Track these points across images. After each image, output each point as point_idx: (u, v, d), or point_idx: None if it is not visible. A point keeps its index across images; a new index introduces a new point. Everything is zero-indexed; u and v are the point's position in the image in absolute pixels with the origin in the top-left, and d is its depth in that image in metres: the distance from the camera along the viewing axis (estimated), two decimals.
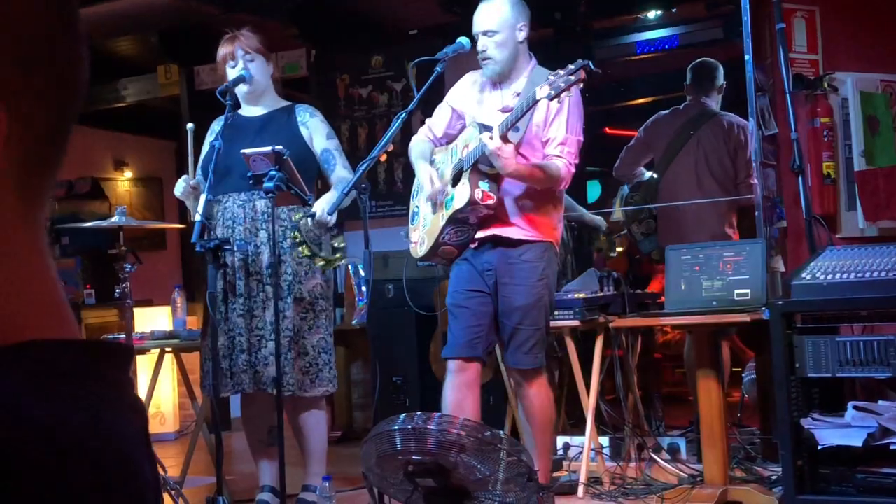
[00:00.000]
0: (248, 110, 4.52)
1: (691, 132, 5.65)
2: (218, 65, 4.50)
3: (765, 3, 4.99)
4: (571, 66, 3.62)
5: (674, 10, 6.86)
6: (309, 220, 4.17)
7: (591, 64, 3.62)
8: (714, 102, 5.75)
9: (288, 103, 4.56)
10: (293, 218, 4.20)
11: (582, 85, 3.64)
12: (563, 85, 3.59)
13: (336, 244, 4.25)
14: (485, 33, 4.02)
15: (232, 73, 4.41)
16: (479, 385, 4.13)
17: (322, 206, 4.21)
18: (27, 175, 0.72)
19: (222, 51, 4.46)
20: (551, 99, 3.63)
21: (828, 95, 5.07)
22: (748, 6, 4.83)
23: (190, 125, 4.47)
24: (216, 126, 4.47)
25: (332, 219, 4.23)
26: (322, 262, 4.24)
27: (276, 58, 4.75)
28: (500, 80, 4.10)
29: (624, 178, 6.00)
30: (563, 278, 5.30)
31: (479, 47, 4.03)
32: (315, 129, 4.47)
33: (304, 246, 4.15)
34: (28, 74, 0.70)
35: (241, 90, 4.42)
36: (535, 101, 3.69)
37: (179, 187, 4.36)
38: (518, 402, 4.34)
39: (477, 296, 4.06)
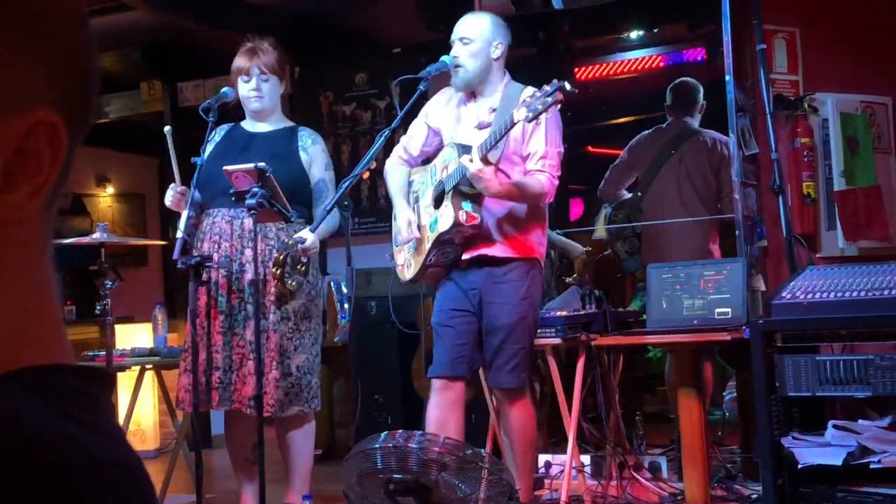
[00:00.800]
0: (251, 125, 4.50)
1: (673, 150, 5.68)
2: (231, 73, 4.47)
3: (746, 24, 5.03)
4: (548, 88, 3.64)
5: (655, 31, 6.90)
6: (297, 245, 4.16)
7: (566, 85, 3.63)
8: (695, 122, 5.78)
9: (292, 124, 4.56)
10: (286, 241, 4.17)
11: (559, 106, 3.66)
12: (540, 107, 3.61)
13: (297, 282, 4.22)
14: (461, 39, 4.04)
15: (242, 89, 4.40)
16: (464, 404, 4.13)
17: (310, 235, 4.22)
18: (56, 192, 0.72)
19: (239, 62, 4.42)
20: (529, 121, 3.65)
21: (808, 116, 5.11)
22: (729, 27, 4.87)
23: (167, 128, 4.44)
24: (216, 137, 4.46)
25: (317, 246, 4.24)
26: (284, 286, 4.22)
27: (287, 73, 4.69)
28: (471, 93, 4.11)
29: (608, 198, 6.02)
30: (545, 296, 5.31)
31: (453, 53, 4.05)
32: (315, 158, 4.46)
33: (280, 268, 4.14)
34: (67, 84, 0.71)
35: (251, 105, 4.41)
36: (513, 124, 3.70)
37: (169, 197, 4.33)
38: (500, 421, 4.34)
39: (462, 315, 4.07)
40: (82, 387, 0.70)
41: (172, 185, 4.34)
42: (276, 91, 4.47)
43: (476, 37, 4.03)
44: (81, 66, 0.73)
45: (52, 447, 0.62)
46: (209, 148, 4.40)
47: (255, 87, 4.38)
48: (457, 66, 4.04)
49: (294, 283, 4.19)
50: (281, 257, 4.15)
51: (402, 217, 4.11)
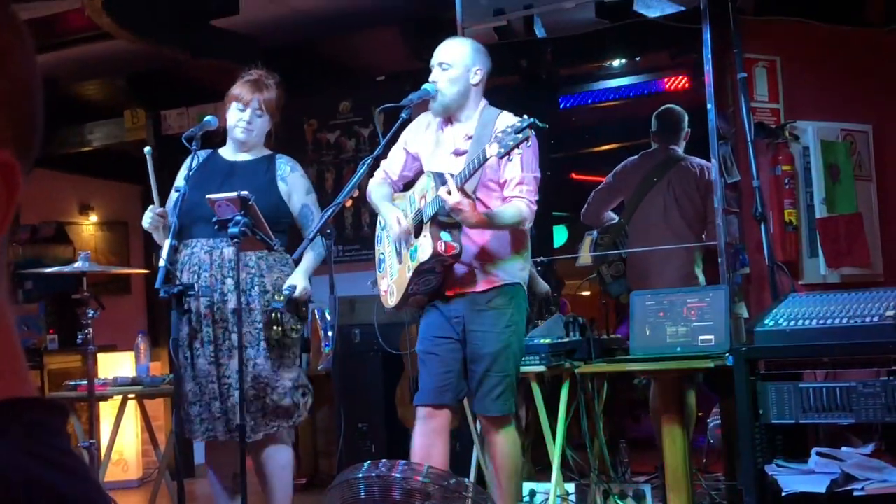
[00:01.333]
0: (230, 154, 4.49)
1: (661, 176, 5.71)
2: (227, 97, 4.45)
3: (727, 52, 5.06)
4: (518, 124, 3.65)
5: (638, 59, 6.94)
6: (291, 295, 4.17)
7: (537, 121, 3.65)
8: (680, 149, 5.81)
9: (269, 152, 4.55)
10: (277, 298, 4.17)
11: (530, 143, 3.68)
12: (511, 143, 3.62)
13: (298, 328, 4.25)
14: (440, 65, 4.05)
15: (233, 116, 4.39)
16: (449, 432, 4.11)
17: (300, 279, 4.22)
18: (9, 229, 0.72)
19: (240, 91, 4.40)
20: (500, 157, 3.67)
21: (789, 144, 5.14)
22: (710, 56, 4.90)
23: (147, 148, 4.42)
24: (185, 170, 4.45)
25: (309, 288, 4.25)
26: (287, 340, 4.24)
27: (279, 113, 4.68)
28: (448, 119, 4.12)
29: (591, 222, 6.03)
30: (529, 323, 5.31)
31: (432, 78, 4.06)
32: (294, 186, 4.46)
33: (280, 327, 4.15)
34: (22, 124, 0.71)
35: (237, 135, 4.40)
36: (486, 159, 3.71)
37: (147, 219, 4.32)
38: (485, 449, 4.33)
39: (446, 343, 4.06)
40: (43, 420, 0.69)
41: (151, 206, 4.32)
42: (265, 128, 4.47)
43: (455, 62, 4.04)
44: (34, 105, 0.73)
45: (17, 487, 0.62)
46: (181, 175, 4.38)
47: (249, 119, 4.38)
48: (436, 90, 4.05)
49: (295, 332, 4.22)
50: (274, 315, 4.15)
51: (391, 214, 4.09)
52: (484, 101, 4.13)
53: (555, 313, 5.42)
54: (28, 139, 0.73)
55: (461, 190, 3.74)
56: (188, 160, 4.31)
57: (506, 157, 3.89)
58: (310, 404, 4.43)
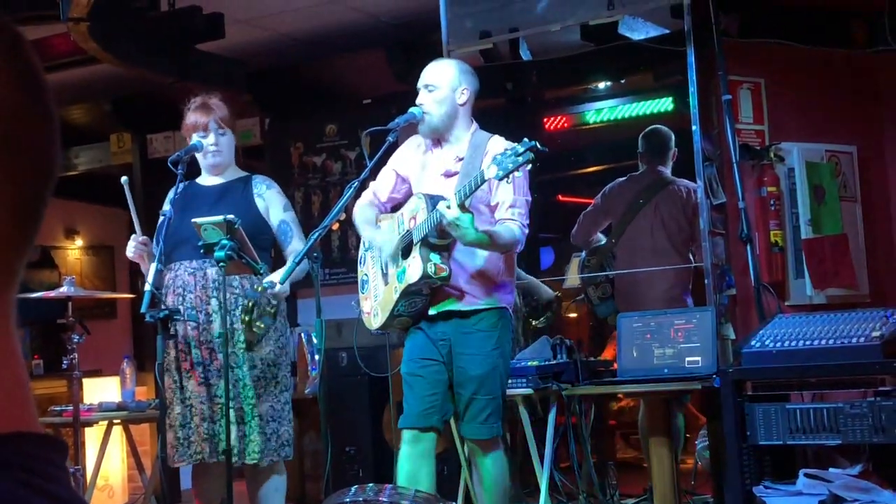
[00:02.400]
0: (207, 179, 4.50)
1: (648, 199, 5.72)
2: (185, 130, 4.45)
3: (711, 74, 5.09)
4: (519, 147, 3.63)
5: (623, 81, 6.97)
6: (267, 291, 4.14)
7: (538, 144, 3.63)
8: (668, 170, 5.83)
9: (245, 174, 4.55)
10: (255, 288, 4.15)
11: (530, 166, 3.66)
12: (510, 166, 3.60)
13: (266, 323, 4.22)
14: (426, 87, 4.05)
15: (193, 143, 4.38)
16: (435, 455, 4.10)
17: (279, 279, 4.20)
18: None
19: (194, 118, 4.41)
20: (499, 179, 3.65)
21: (774, 165, 5.17)
22: (695, 78, 4.93)
23: (124, 178, 4.40)
24: (172, 194, 4.45)
25: (287, 290, 4.23)
26: (252, 330, 4.20)
27: (237, 126, 4.72)
28: (437, 140, 4.12)
29: (580, 244, 6.04)
30: (516, 345, 5.30)
31: (419, 100, 4.06)
32: (271, 202, 4.46)
33: (249, 315, 4.12)
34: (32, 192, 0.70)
35: (208, 160, 4.40)
36: (484, 181, 3.71)
37: (130, 248, 4.30)
38: (473, 472, 4.31)
39: (432, 365, 4.04)
40: (44, 455, 0.69)
41: (134, 235, 4.31)
42: (232, 144, 4.47)
43: (441, 83, 4.05)
44: (14, 136, 0.73)
45: None
46: (166, 205, 4.37)
47: (214, 142, 4.38)
48: (423, 112, 4.05)
49: (262, 326, 4.18)
50: (250, 304, 4.13)
51: (376, 240, 4.10)
52: (475, 125, 4.13)
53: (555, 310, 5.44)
54: (15, 173, 0.72)
55: (462, 206, 3.74)
56: (177, 184, 4.30)
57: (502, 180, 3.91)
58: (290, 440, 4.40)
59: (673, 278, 5.60)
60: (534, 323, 5.96)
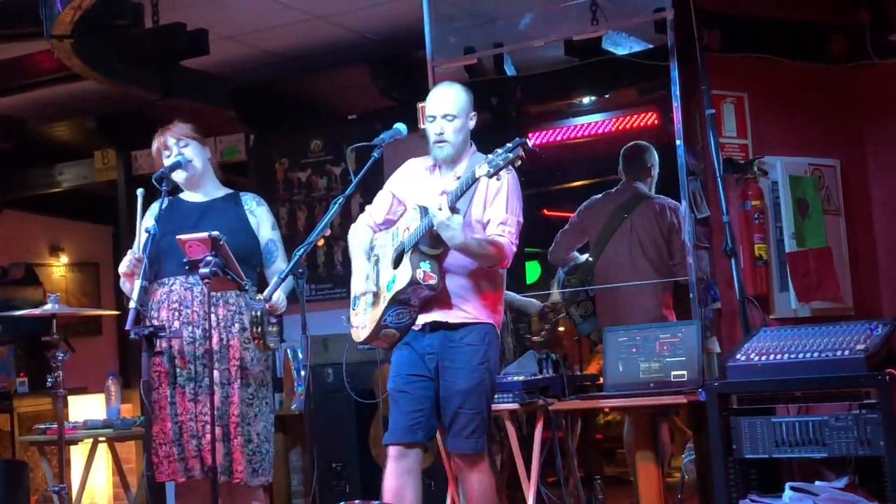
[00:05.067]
0: (190, 196, 4.48)
1: (625, 215, 5.73)
2: (154, 159, 4.48)
3: (695, 89, 5.11)
4: (509, 145, 3.66)
5: (607, 96, 6.99)
6: (264, 308, 4.13)
7: (527, 142, 3.66)
8: (646, 185, 5.84)
9: (231, 191, 4.54)
10: (254, 313, 4.13)
11: (520, 162, 3.68)
12: (500, 163, 3.63)
13: (274, 341, 4.23)
14: (444, 116, 4.06)
15: (169, 163, 4.38)
16: (421, 471, 4.09)
17: (273, 290, 4.20)
18: None
19: (155, 145, 4.44)
20: (490, 176, 3.66)
21: (758, 179, 5.18)
22: (678, 92, 4.94)
23: (140, 190, 4.38)
24: (156, 209, 4.44)
25: (284, 304, 4.22)
26: (267, 345, 4.20)
27: (214, 142, 4.73)
28: (444, 165, 4.13)
29: (558, 262, 6.05)
30: (502, 361, 5.30)
31: (436, 129, 4.06)
32: (262, 219, 4.46)
33: (261, 341, 4.12)
34: None
35: (179, 176, 4.39)
36: (476, 179, 3.72)
37: (124, 263, 4.27)
38: (459, 487, 4.31)
39: (418, 380, 4.04)
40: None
41: (131, 251, 4.29)
42: (200, 154, 4.45)
43: (458, 112, 4.07)
44: None
45: None
46: (147, 219, 4.35)
47: (178, 154, 4.38)
48: (442, 141, 4.06)
49: (273, 344, 4.18)
50: (257, 315, 4.10)
51: (359, 271, 4.10)
52: (473, 147, 4.16)
53: (552, 321, 5.45)
54: None
55: (452, 208, 3.75)
56: (161, 201, 4.28)
57: (495, 192, 3.93)
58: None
59: (652, 297, 5.60)
60: (534, 339, 5.98)
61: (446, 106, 4.07)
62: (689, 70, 5.04)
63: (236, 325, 4.24)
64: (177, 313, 4.25)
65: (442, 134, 4.06)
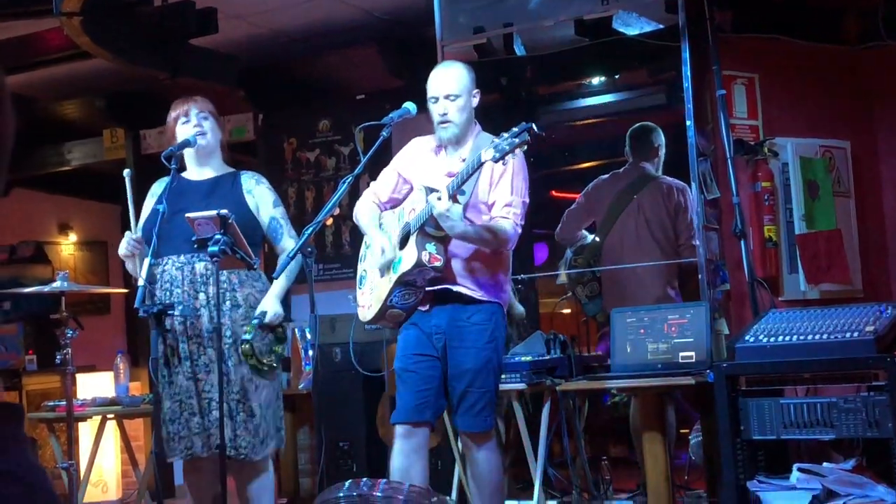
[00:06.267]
0: (194, 173, 4.47)
1: (633, 196, 5.72)
2: (167, 126, 4.45)
3: (706, 69, 5.09)
4: (515, 129, 3.65)
5: (617, 77, 6.96)
6: (261, 323, 4.14)
7: (534, 126, 3.64)
8: (652, 166, 5.81)
9: (232, 170, 4.53)
10: (246, 330, 4.15)
11: (526, 147, 3.67)
12: (507, 147, 3.62)
13: (278, 350, 4.24)
14: (447, 97, 4.04)
15: (181, 131, 4.37)
16: (428, 450, 4.10)
17: (270, 303, 4.20)
18: None
19: (175, 111, 4.41)
20: (496, 161, 3.65)
21: (768, 160, 5.16)
22: (689, 73, 4.93)
23: (126, 171, 4.39)
24: (157, 189, 4.43)
25: (280, 312, 4.22)
26: (264, 368, 4.22)
27: (223, 121, 4.72)
28: (449, 145, 4.12)
29: (565, 241, 6.04)
30: (509, 341, 5.30)
31: (440, 110, 4.04)
32: (261, 198, 4.44)
33: (253, 358, 4.13)
34: None
35: (198, 144, 4.38)
36: (481, 164, 3.71)
37: (123, 246, 4.28)
38: (467, 466, 4.31)
39: (425, 360, 4.04)
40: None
41: (128, 233, 4.28)
42: (216, 131, 4.45)
43: (461, 91, 4.05)
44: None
45: None
46: (150, 201, 4.36)
47: (197, 124, 4.37)
48: (446, 122, 4.04)
49: (273, 359, 4.20)
50: (246, 347, 4.13)
51: (377, 241, 4.09)
52: (478, 127, 4.14)
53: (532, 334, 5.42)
54: None
55: (452, 198, 3.74)
56: (170, 180, 4.28)
57: (500, 174, 3.91)
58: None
59: (658, 277, 5.59)
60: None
61: (448, 86, 4.05)
62: (699, 50, 5.02)
63: (228, 303, 4.23)
64: (168, 293, 4.25)
65: (445, 114, 4.04)
